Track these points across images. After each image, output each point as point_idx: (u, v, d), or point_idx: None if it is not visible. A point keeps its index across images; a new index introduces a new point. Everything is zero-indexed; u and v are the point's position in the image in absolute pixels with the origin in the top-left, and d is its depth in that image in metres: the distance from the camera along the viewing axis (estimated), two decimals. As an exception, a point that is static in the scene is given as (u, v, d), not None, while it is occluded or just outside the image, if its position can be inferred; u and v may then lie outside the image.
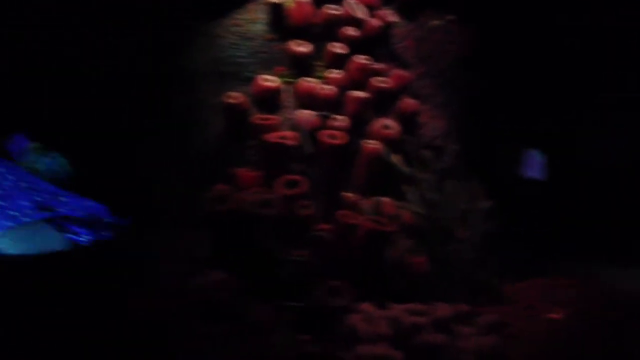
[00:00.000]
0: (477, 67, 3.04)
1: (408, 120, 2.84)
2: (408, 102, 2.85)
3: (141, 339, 2.21)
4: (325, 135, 2.63)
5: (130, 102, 2.89)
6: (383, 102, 2.84)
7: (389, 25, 2.94)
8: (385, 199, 2.63)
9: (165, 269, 2.51)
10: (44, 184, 2.47)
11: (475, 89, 3.03)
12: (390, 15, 2.93)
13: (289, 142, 2.60)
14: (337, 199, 2.66)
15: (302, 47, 2.83)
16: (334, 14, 2.86)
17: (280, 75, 2.82)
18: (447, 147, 2.67)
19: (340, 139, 2.62)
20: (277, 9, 2.85)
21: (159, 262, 2.53)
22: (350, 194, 2.67)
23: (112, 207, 2.57)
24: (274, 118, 2.69)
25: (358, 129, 2.78)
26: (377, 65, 2.86)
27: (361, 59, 2.82)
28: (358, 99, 2.79)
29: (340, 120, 2.75)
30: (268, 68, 2.84)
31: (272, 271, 2.39)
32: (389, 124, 2.77)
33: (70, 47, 2.84)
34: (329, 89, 2.79)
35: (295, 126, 2.72)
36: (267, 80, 2.77)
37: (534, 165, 2.92)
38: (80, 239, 2.39)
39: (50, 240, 2.35)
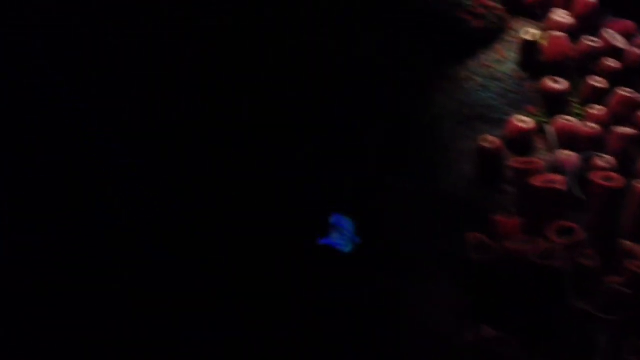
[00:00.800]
0: None
1: (681, 157, 2.58)
2: (680, 137, 2.59)
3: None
4: (598, 177, 2.42)
5: (372, 144, 2.80)
6: (651, 137, 2.60)
7: (649, 54, 2.71)
8: (672, 247, 2.37)
9: (425, 320, 2.40)
10: None
11: None
12: (651, 42, 2.71)
13: (558, 186, 2.41)
14: (611, 246, 2.42)
15: (558, 84, 2.66)
16: (592, 46, 2.67)
17: (533, 115, 2.65)
18: None
19: (616, 181, 2.40)
20: (529, 46, 2.69)
21: (417, 312, 2.42)
22: (627, 242, 2.43)
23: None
24: (536, 161, 2.51)
25: (625, 168, 2.56)
26: (641, 98, 2.63)
27: (625, 92, 2.60)
28: (624, 135, 2.57)
29: (607, 159, 2.53)
30: (519, 108, 2.69)
31: (556, 327, 2.20)
32: (662, 162, 2.53)
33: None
34: (590, 127, 2.60)
35: (557, 168, 2.54)
36: (522, 121, 2.61)
37: None
38: None
39: None
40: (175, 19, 2.53)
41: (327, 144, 2.61)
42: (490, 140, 2.59)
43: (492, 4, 2.75)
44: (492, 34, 2.77)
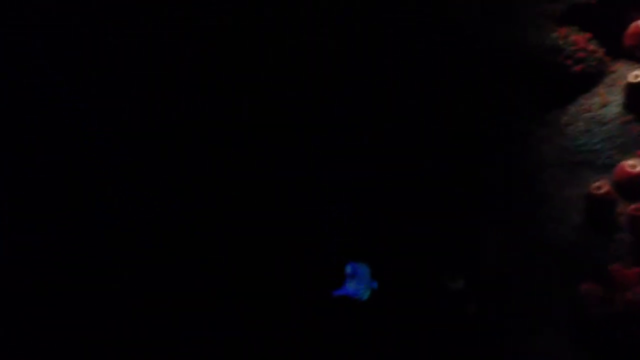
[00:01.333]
0: None
1: None
2: None
3: None
4: None
5: (470, 192, 2.77)
6: None
7: None
8: None
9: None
10: None
11: None
12: None
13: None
14: None
15: (668, 126, 2.49)
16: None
17: None
18: None
19: None
20: (635, 89, 2.51)
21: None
22: None
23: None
24: (653, 207, 2.36)
25: None
26: None
27: None
28: None
29: None
30: (627, 152, 2.52)
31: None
32: None
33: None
34: None
35: None
36: (632, 165, 2.44)
37: None
38: None
39: None
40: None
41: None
42: (601, 186, 2.45)
43: (592, 47, 2.62)
44: (593, 77, 2.63)
